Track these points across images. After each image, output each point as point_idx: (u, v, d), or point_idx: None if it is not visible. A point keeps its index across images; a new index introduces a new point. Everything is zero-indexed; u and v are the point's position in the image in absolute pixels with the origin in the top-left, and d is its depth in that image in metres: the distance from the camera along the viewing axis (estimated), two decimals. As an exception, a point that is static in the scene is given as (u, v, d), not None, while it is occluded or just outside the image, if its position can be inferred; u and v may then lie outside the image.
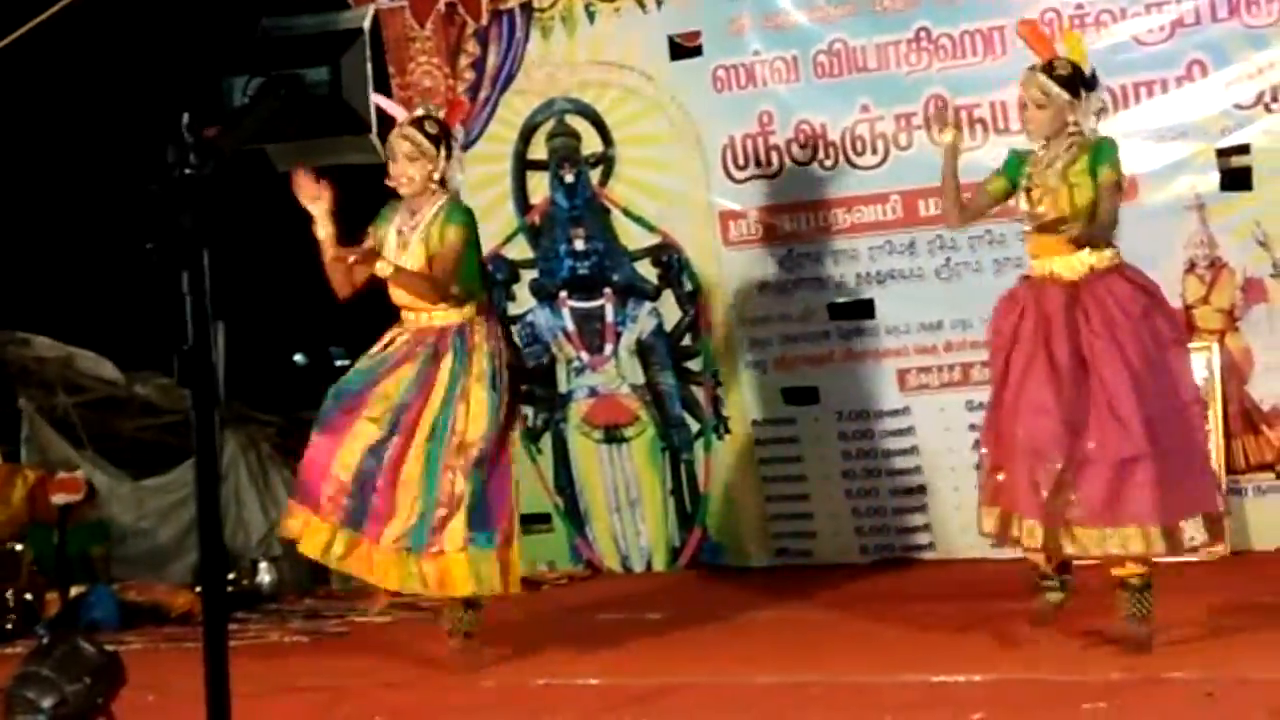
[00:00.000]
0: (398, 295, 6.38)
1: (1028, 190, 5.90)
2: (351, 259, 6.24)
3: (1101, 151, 5.82)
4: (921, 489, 8.32)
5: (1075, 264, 5.81)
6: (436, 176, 6.34)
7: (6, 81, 8.79)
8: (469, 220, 6.40)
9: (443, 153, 6.34)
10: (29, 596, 8.29)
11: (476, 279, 6.48)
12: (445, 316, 6.34)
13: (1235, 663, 5.42)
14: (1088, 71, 5.95)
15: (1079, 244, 5.76)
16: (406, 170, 6.31)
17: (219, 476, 3.02)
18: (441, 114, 6.57)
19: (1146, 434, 5.61)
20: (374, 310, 6.66)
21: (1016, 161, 6.00)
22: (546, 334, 9.00)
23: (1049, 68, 5.89)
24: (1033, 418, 5.74)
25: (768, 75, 8.39)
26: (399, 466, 6.20)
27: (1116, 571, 5.79)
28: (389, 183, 6.36)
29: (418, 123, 6.35)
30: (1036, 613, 5.96)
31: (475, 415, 6.23)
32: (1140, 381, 5.67)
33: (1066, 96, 5.84)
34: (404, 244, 6.33)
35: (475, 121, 8.92)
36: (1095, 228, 5.77)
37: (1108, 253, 5.83)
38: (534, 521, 8.62)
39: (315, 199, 6.17)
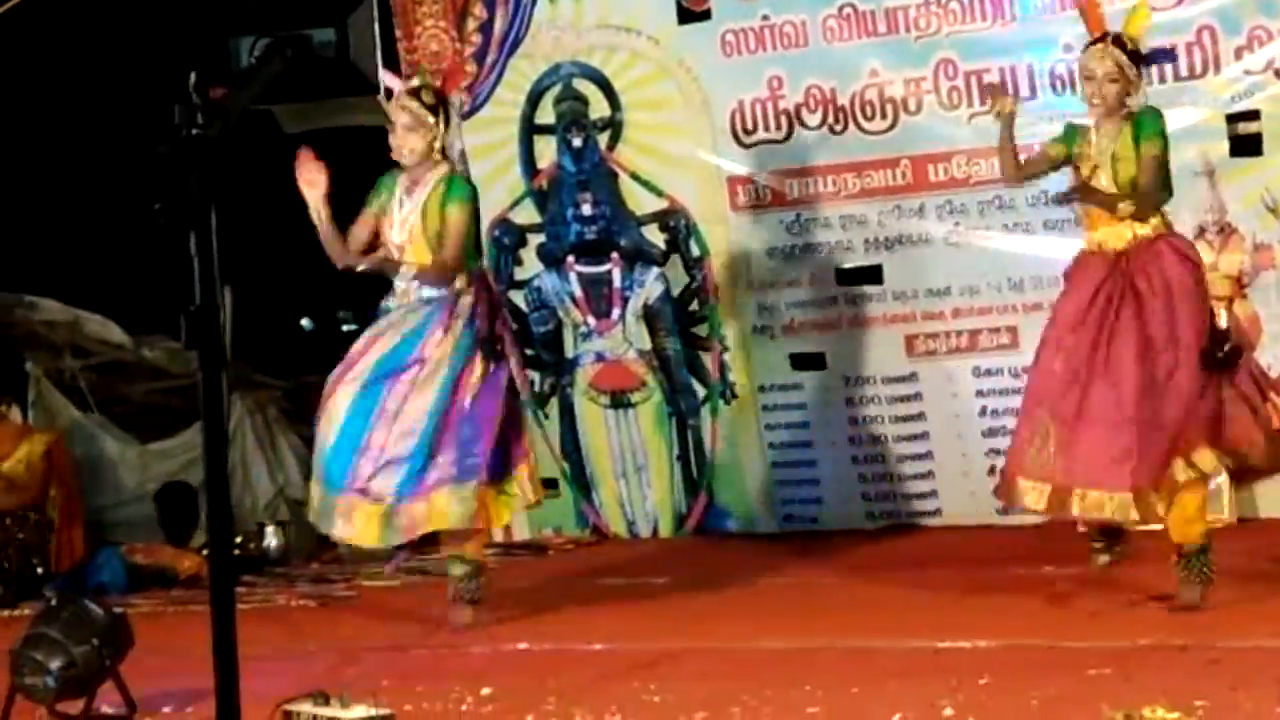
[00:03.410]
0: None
1: (1077, 165, 5.93)
2: (361, 267, 6.32)
3: (1144, 124, 5.85)
4: (928, 455, 8.32)
5: (1123, 233, 5.84)
6: (437, 145, 6.37)
7: (13, 44, 8.77)
8: (471, 195, 6.49)
9: (441, 121, 6.39)
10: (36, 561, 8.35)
11: (472, 252, 6.56)
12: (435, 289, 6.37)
13: (1241, 630, 5.43)
14: (1144, 47, 6.01)
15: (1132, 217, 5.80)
16: (407, 141, 6.36)
17: (227, 438, 3.02)
18: (438, 83, 6.60)
19: (1138, 402, 5.68)
20: (380, 277, 6.65)
21: (1073, 133, 6.02)
22: (553, 299, 8.98)
23: (1119, 40, 5.89)
24: (1041, 378, 5.86)
25: (777, 39, 8.36)
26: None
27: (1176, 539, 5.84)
28: (392, 155, 6.38)
29: (414, 92, 6.41)
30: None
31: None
32: (1149, 353, 5.71)
33: (1134, 72, 5.88)
34: (404, 218, 6.36)
35: (482, 86, 8.90)
36: (1141, 200, 5.80)
37: (1153, 221, 5.85)
38: (542, 486, 8.61)
39: (311, 183, 6.20)
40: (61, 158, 10.12)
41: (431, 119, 6.35)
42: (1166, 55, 6.18)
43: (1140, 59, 5.94)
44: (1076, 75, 7.67)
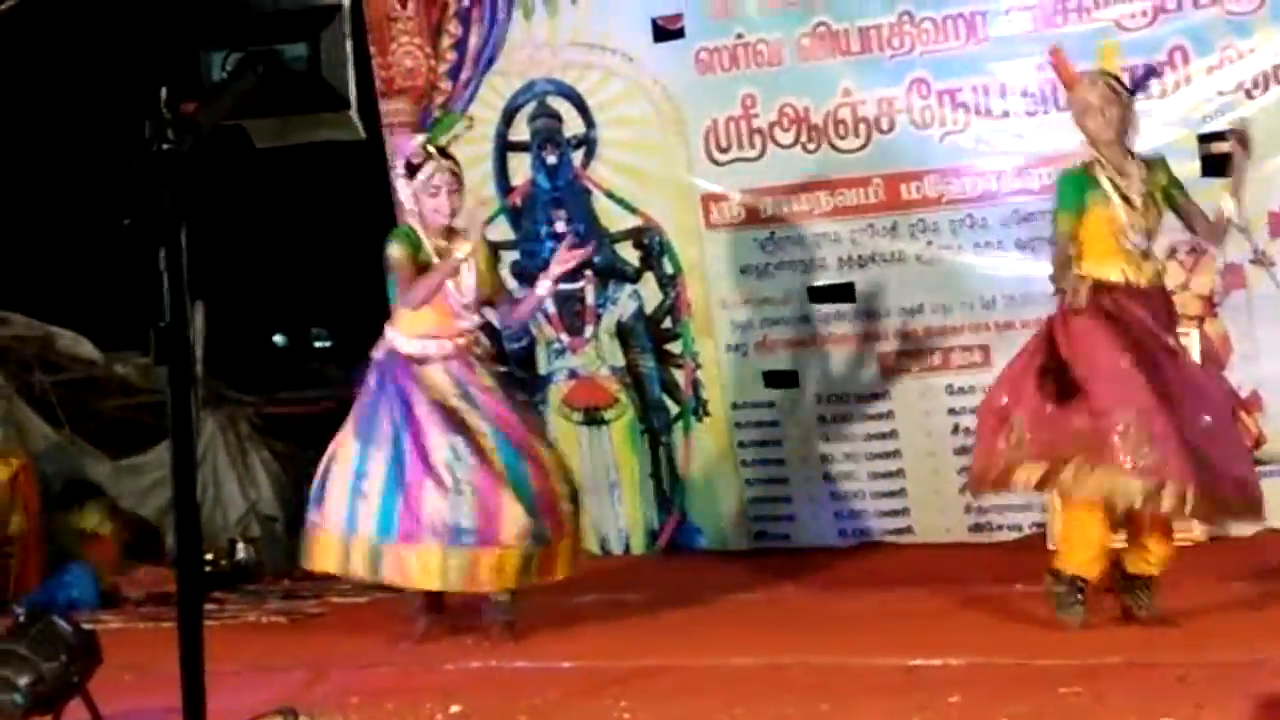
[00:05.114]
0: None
1: (1128, 200, 5.93)
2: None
3: (1169, 170, 6.06)
4: (900, 473, 8.33)
5: (1150, 273, 5.97)
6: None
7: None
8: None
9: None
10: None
11: None
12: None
13: (1210, 647, 5.45)
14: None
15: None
16: (453, 203, 6.41)
17: (195, 454, 3.01)
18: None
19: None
20: (354, 294, 6.65)
21: (1076, 182, 5.98)
22: (527, 316, 8.97)
23: (1100, 75, 6.01)
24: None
25: (751, 58, 8.38)
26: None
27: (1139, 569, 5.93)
28: (435, 217, 6.39)
29: (444, 153, 6.48)
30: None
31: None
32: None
33: (1128, 96, 5.95)
34: (469, 285, 6.46)
35: (456, 103, 8.89)
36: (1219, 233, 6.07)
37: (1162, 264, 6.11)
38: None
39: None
40: (32, 172, 10.09)
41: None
42: (1151, 73, 6.24)
43: (1126, 89, 6.00)
44: (1047, 95, 7.78)
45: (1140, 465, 5.65)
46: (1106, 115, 5.91)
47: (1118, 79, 6.02)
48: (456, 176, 6.42)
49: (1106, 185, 5.90)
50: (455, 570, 6.28)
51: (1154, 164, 6.04)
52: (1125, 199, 5.90)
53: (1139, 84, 6.11)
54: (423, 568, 6.30)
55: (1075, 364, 5.83)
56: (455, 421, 6.34)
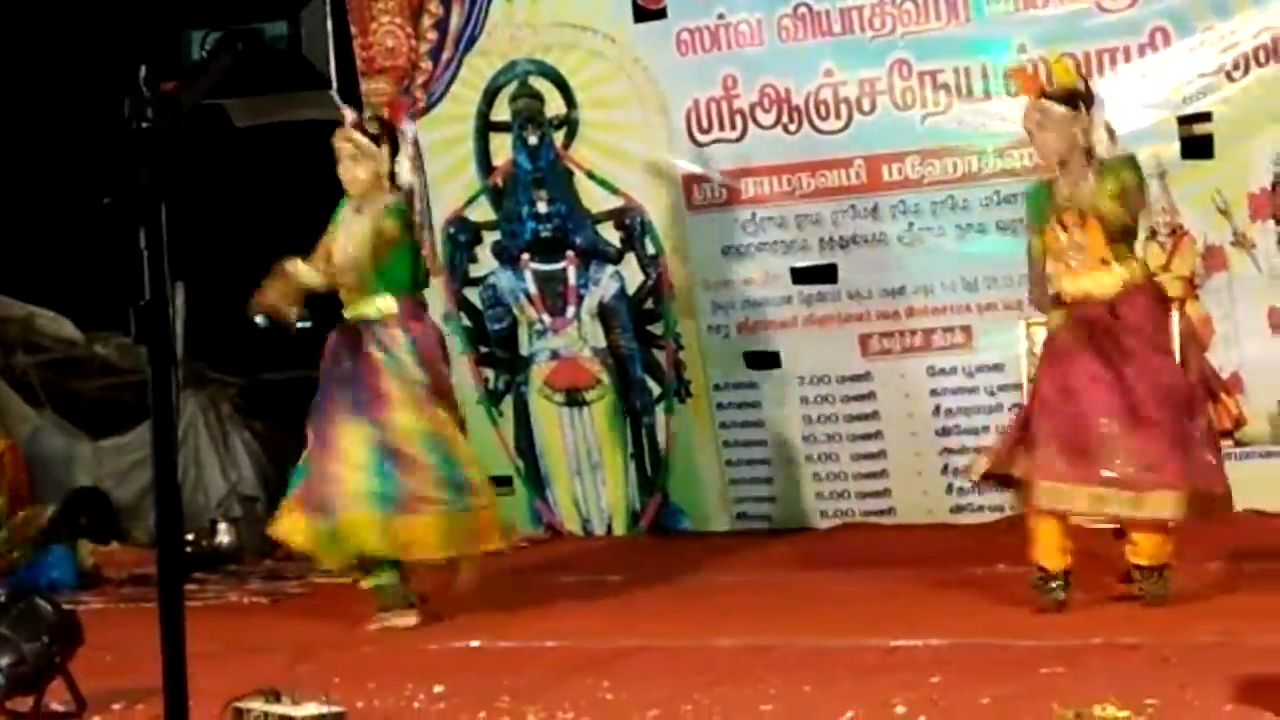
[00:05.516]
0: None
1: (1062, 222, 5.92)
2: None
3: (1122, 174, 5.89)
4: (882, 454, 8.34)
5: (1111, 283, 5.90)
6: (384, 173, 6.49)
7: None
8: (402, 219, 6.53)
9: (386, 151, 6.49)
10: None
11: (407, 277, 6.55)
12: (361, 312, 6.48)
13: (1192, 628, 5.46)
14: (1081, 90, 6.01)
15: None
16: (352, 171, 6.46)
17: (175, 433, 3.00)
18: (384, 114, 6.73)
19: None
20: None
21: (1036, 200, 6.03)
22: (508, 296, 8.97)
23: (1041, 94, 5.95)
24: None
25: (732, 38, 8.37)
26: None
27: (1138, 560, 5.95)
28: (345, 184, 6.49)
29: (358, 124, 6.52)
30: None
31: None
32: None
33: (1063, 110, 5.87)
34: (343, 245, 6.50)
35: (437, 83, 8.88)
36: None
37: (1135, 266, 5.98)
38: (495, 484, 8.58)
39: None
40: (11, 152, 10.03)
41: (374, 148, 6.46)
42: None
43: (1078, 101, 5.93)
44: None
45: (1125, 475, 5.79)
46: (1043, 141, 5.91)
47: (1067, 93, 5.93)
48: (358, 146, 6.42)
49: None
50: (315, 540, 6.47)
51: (1108, 170, 5.90)
52: (1061, 221, 5.92)
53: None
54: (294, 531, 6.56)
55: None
56: (330, 389, 6.50)
